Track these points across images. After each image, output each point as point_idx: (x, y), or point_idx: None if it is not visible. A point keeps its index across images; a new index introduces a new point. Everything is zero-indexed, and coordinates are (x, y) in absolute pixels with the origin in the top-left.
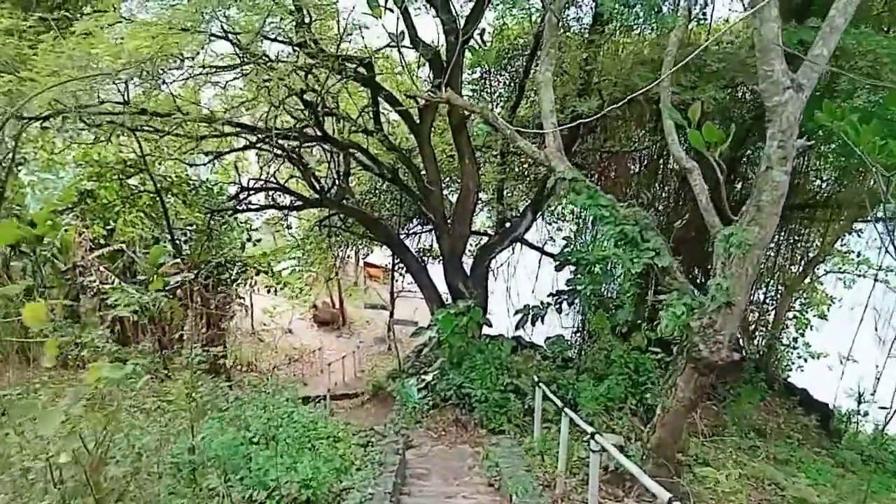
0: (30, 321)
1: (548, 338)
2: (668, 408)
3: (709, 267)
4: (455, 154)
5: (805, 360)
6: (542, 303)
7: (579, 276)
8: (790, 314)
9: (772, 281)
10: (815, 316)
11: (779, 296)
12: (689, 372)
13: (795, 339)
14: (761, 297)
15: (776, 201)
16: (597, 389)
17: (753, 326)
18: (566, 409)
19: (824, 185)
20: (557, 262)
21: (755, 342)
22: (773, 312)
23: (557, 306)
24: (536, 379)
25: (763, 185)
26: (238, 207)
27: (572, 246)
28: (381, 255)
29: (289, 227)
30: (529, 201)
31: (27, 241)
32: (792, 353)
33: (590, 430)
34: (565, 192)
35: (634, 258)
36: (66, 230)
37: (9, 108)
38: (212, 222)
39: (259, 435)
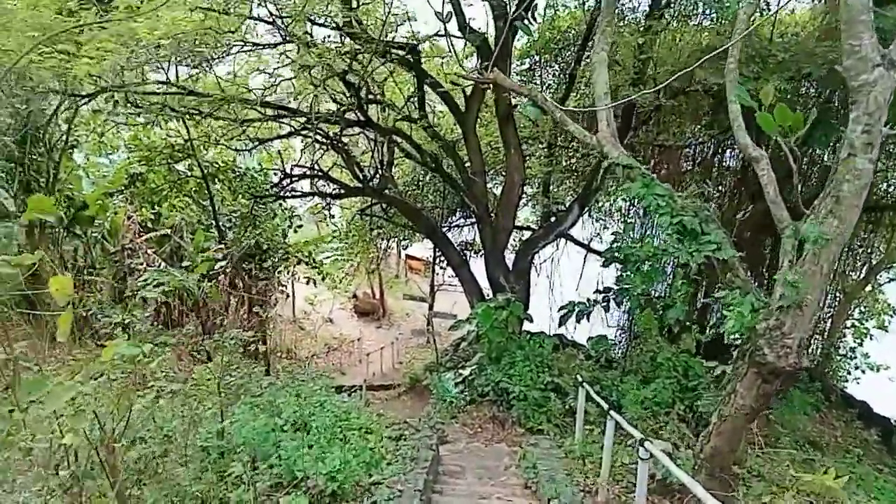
0: (57, 295)
1: (590, 337)
2: (725, 416)
3: (764, 270)
4: (500, 146)
5: (863, 372)
6: (588, 300)
7: (629, 273)
8: (848, 323)
9: (830, 287)
10: (875, 327)
11: (837, 303)
12: (751, 378)
13: (853, 350)
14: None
15: (858, 192)
16: (642, 392)
17: (809, 334)
18: (612, 412)
19: (892, 186)
20: (605, 259)
21: (810, 350)
22: (829, 320)
23: (604, 304)
24: (580, 378)
25: (844, 174)
26: (281, 194)
27: (621, 241)
28: (422, 248)
29: (331, 216)
30: (576, 195)
31: (79, 222)
32: (849, 364)
33: (638, 435)
34: (619, 181)
35: (694, 251)
36: (115, 213)
37: (61, 88)
38: (255, 209)
39: (290, 423)
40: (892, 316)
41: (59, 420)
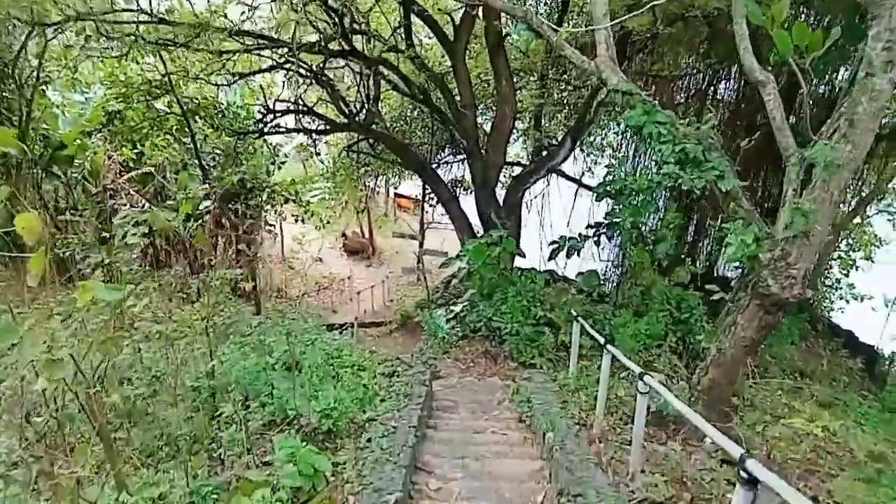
0: (24, 234)
1: (580, 273)
2: (724, 348)
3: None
4: (490, 78)
5: (847, 302)
6: (579, 235)
7: (619, 207)
8: (835, 254)
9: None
10: (862, 258)
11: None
12: (753, 310)
13: (838, 280)
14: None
15: (874, 115)
16: (635, 326)
17: (814, 264)
18: (609, 346)
19: (890, 114)
20: (598, 192)
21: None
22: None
23: (595, 239)
24: (574, 313)
25: (859, 94)
26: (264, 130)
27: (613, 174)
28: (411, 186)
29: (318, 153)
30: (569, 129)
31: (58, 162)
32: (834, 294)
33: (637, 369)
34: (617, 108)
35: (695, 178)
36: (95, 152)
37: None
38: (238, 146)
39: (281, 362)
40: (878, 247)
41: (34, 365)
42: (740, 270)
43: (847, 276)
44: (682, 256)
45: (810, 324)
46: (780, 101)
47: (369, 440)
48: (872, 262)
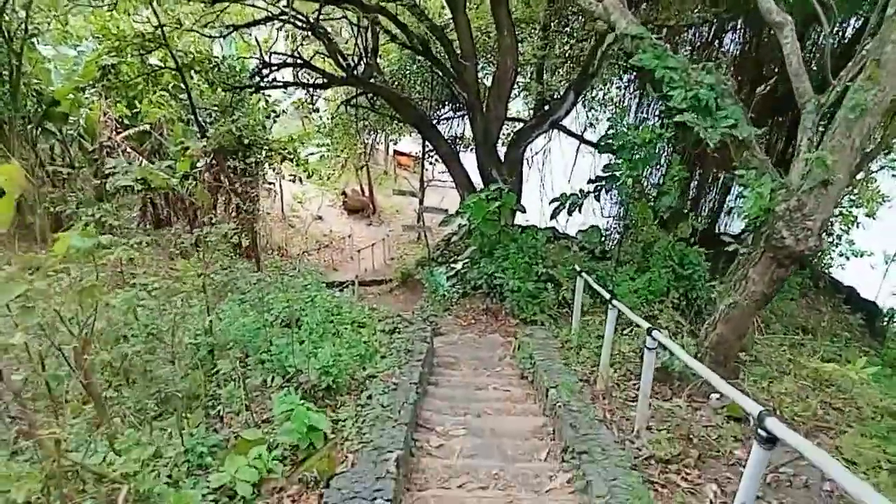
0: (7, 185)
1: (580, 230)
2: (734, 302)
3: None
4: (491, 30)
5: (847, 259)
6: (580, 191)
7: (618, 161)
8: (836, 210)
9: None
10: (864, 214)
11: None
12: (765, 263)
13: (839, 236)
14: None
15: None
16: (637, 282)
17: (831, 214)
18: (615, 301)
19: None
20: (600, 146)
21: None
22: None
23: (596, 194)
24: (578, 269)
25: (888, 33)
26: (261, 85)
27: (616, 128)
28: (411, 143)
29: (316, 109)
30: (571, 82)
31: (52, 118)
32: (834, 251)
33: (645, 325)
34: (627, 53)
35: (709, 127)
36: (90, 109)
37: None
38: (233, 101)
39: (280, 318)
40: (881, 203)
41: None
42: (753, 223)
43: (848, 232)
44: (685, 212)
45: (811, 280)
46: (797, 45)
47: (370, 397)
48: (874, 218)
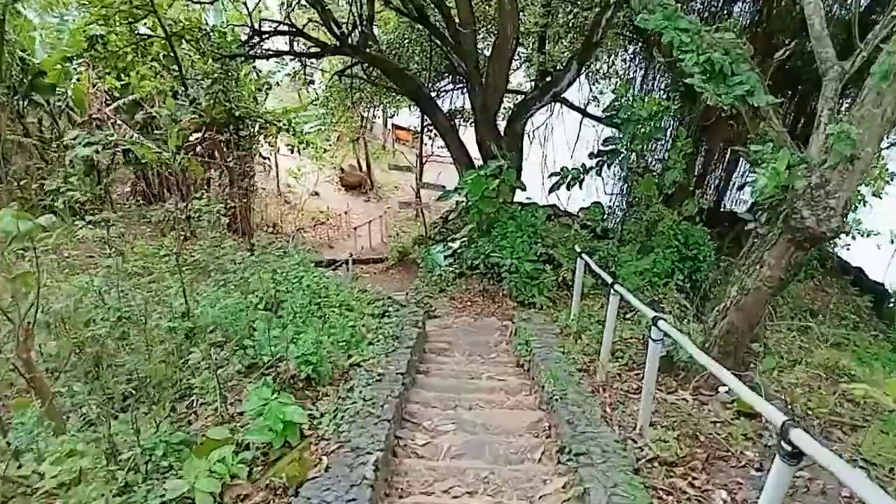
0: None
1: (581, 208)
2: (748, 288)
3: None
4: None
5: (853, 238)
6: (582, 165)
7: (621, 135)
8: None
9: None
10: (871, 194)
11: None
12: (782, 245)
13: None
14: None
15: None
16: (640, 263)
17: (856, 192)
18: (617, 286)
19: None
20: (606, 117)
21: None
22: None
23: (597, 169)
24: (579, 249)
25: None
26: (251, 53)
27: (622, 99)
28: (409, 117)
29: (311, 82)
30: (574, 52)
31: (39, 89)
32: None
33: (651, 313)
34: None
35: (722, 94)
36: (78, 79)
37: None
38: (223, 71)
39: (264, 301)
40: (889, 182)
41: None
42: (767, 202)
43: (854, 210)
44: (691, 188)
45: (819, 261)
46: (820, 5)
47: (351, 389)
48: (881, 197)
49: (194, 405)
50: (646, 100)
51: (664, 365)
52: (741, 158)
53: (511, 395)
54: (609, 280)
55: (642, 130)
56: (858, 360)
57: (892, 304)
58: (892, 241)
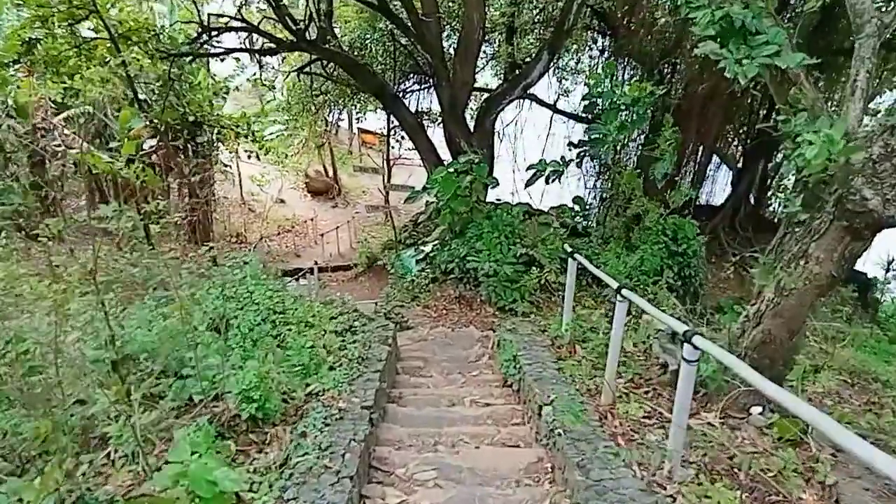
0: None
1: (554, 206)
2: (789, 289)
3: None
4: None
5: None
6: (561, 158)
7: (603, 122)
8: None
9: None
10: None
11: None
12: (835, 234)
13: None
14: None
15: None
16: (626, 260)
17: (767, 192)
18: (626, 291)
19: None
20: (586, 104)
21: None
22: (790, 177)
23: (578, 161)
24: (569, 249)
25: None
26: (200, 52)
27: (603, 85)
28: (376, 121)
29: (272, 87)
30: (544, 41)
31: None
32: None
33: (681, 327)
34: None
35: (744, 58)
36: (18, 87)
37: None
38: (173, 72)
39: (210, 320)
40: None
41: None
42: (803, 184)
43: None
44: (676, 179)
45: None
46: None
47: (304, 434)
48: None
49: (112, 456)
50: (628, 84)
51: (676, 379)
52: (714, 151)
53: (501, 424)
54: (615, 284)
55: (627, 118)
56: (873, 355)
57: (875, 294)
58: None
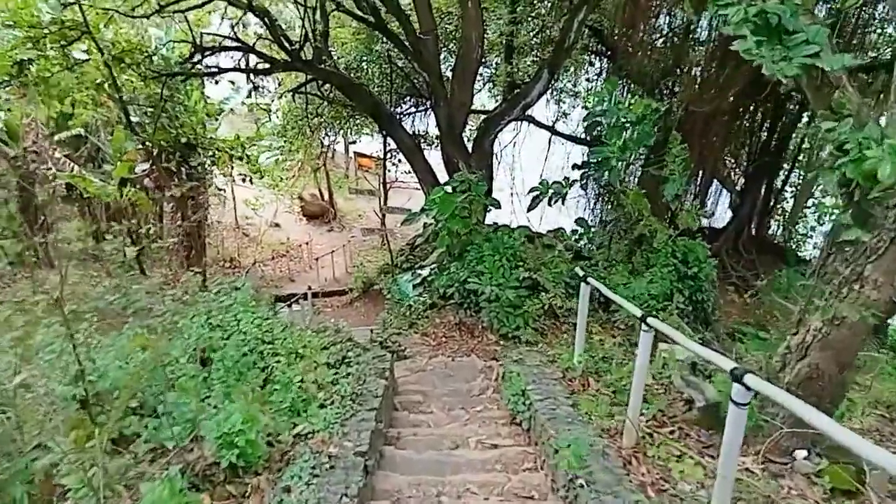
0: None
1: (551, 230)
2: (839, 317)
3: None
4: (452, 12)
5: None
6: (565, 179)
7: (607, 140)
8: (810, 202)
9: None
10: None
11: (800, 182)
12: None
13: (813, 228)
14: (779, 184)
15: None
16: (635, 285)
17: (761, 215)
18: (651, 320)
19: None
20: (588, 123)
21: (770, 230)
22: (791, 200)
23: (582, 183)
24: (581, 272)
25: None
26: (192, 71)
27: (606, 102)
28: (372, 145)
29: (268, 110)
30: (544, 60)
31: None
32: (808, 242)
33: (729, 364)
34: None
35: (780, 59)
36: (9, 109)
37: None
38: (165, 93)
39: (193, 351)
40: None
41: None
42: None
43: (822, 224)
44: (685, 199)
45: (804, 275)
46: None
47: (287, 489)
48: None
49: None
50: (632, 102)
51: (705, 416)
52: (714, 174)
53: (511, 471)
54: (638, 312)
55: (632, 136)
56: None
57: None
58: None
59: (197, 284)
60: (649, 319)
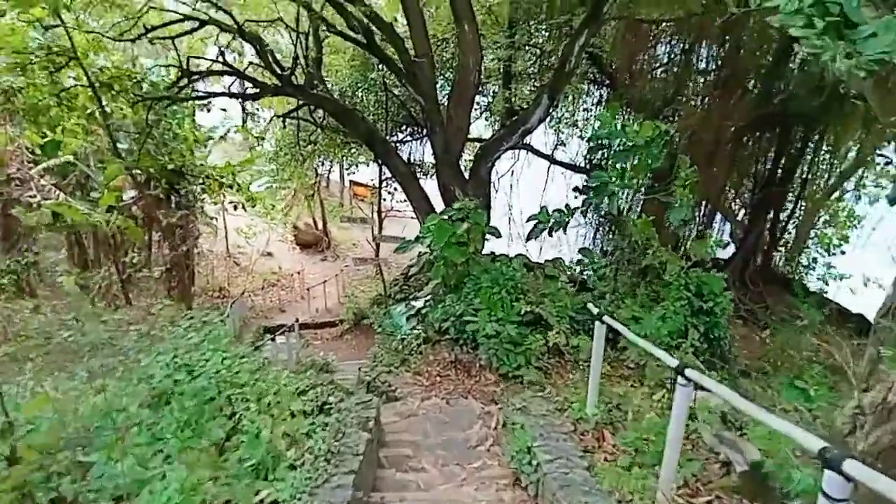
0: None
1: (550, 259)
2: None
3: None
4: (448, 37)
5: (826, 283)
6: (566, 206)
7: (611, 162)
8: (812, 233)
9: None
10: (837, 239)
11: (801, 213)
12: None
13: (815, 260)
14: (785, 214)
15: None
16: (646, 320)
17: (767, 246)
18: (690, 371)
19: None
20: (592, 146)
21: (772, 262)
22: (794, 231)
23: (584, 209)
24: (595, 310)
25: None
26: (179, 96)
27: (609, 127)
28: (368, 174)
29: (261, 138)
30: (544, 85)
31: None
32: (812, 274)
33: (818, 443)
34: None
35: (844, 56)
36: None
37: None
38: (151, 119)
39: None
40: (855, 227)
41: None
42: None
43: (826, 254)
44: (698, 228)
45: (817, 308)
46: None
47: None
48: (847, 242)
49: None
50: (640, 124)
51: (749, 487)
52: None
53: None
54: (674, 363)
55: (639, 160)
56: None
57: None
58: (865, 284)
59: (172, 317)
60: (688, 371)
